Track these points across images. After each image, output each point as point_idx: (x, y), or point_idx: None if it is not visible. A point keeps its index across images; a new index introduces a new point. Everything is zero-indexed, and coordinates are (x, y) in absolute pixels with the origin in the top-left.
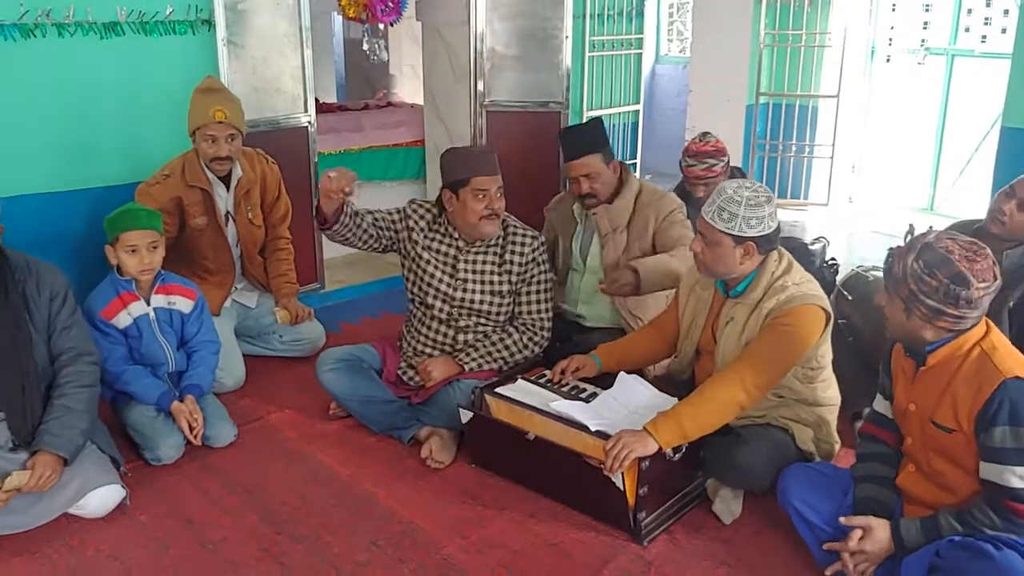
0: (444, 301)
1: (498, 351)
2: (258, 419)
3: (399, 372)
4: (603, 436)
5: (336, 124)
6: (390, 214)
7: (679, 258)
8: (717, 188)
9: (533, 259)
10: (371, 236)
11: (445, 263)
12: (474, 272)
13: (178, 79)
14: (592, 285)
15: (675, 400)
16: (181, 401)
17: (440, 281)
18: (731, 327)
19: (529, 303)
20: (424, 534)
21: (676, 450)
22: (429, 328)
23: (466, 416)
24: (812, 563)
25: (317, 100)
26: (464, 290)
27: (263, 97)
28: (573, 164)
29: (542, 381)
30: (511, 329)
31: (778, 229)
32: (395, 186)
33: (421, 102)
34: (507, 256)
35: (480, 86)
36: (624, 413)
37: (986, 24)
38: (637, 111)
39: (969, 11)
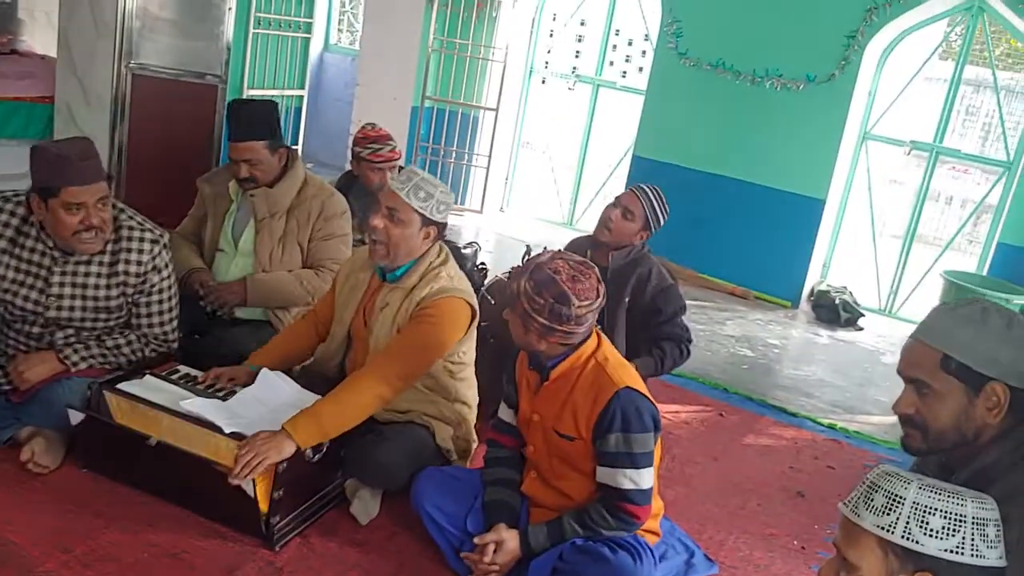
0: (32, 321)
1: (113, 355)
2: None
3: None
4: (238, 437)
5: None
6: None
7: (308, 281)
8: (406, 171)
9: (153, 267)
10: None
11: (37, 275)
12: (74, 286)
13: None
14: (243, 270)
15: (318, 398)
16: None
17: (26, 299)
18: (386, 312)
19: (150, 315)
20: (17, 549)
21: (316, 451)
22: (19, 332)
23: (76, 418)
24: (444, 564)
25: None
26: (59, 308)
27: None
28: (237, 146)
29: (174, 377)
30: (130, 334)
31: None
32: (14, 145)
33: (55, 54)
34: (120, 267)
35: (126, 46)
36: (263, 412)
37: (627, 61)
38: (301, 97)
39: (614, 47)
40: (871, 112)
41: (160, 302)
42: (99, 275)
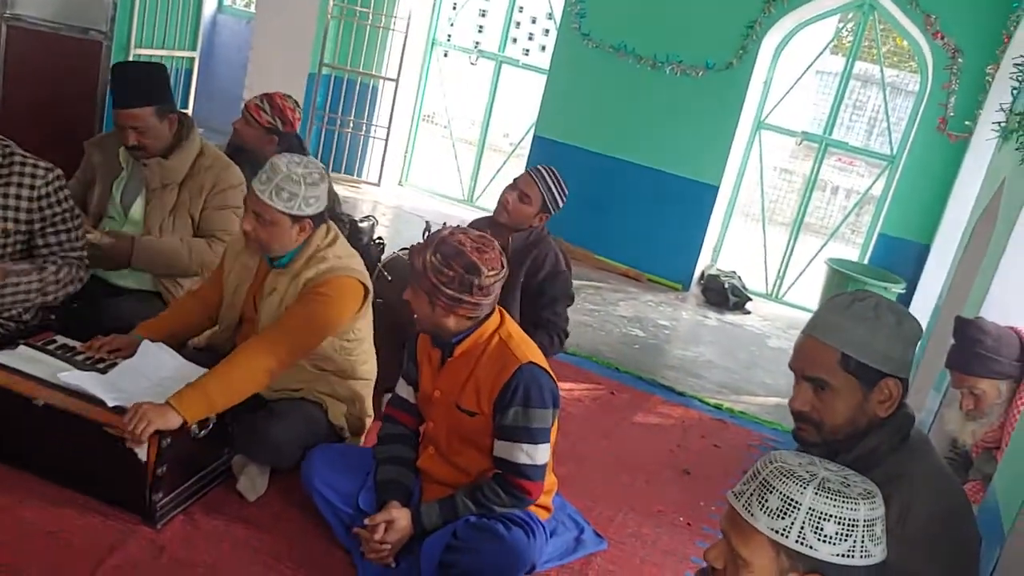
0: None
1: (37, 286)
2: None
3: None
4: (121, 412)
5: None
6: None
7: (197, 252)
8: (269, 164)
9: (47, 193)
10: None
11: None
12: None
13: None
14: None
15: (204, 370)
16: None
17: None
18: (272, 297)
19: (58, 236)
20: None
21: (202, 426)
22: None
23: None
24: (335, 542)
25: None
26: None
27: None
28: (121, 112)
29: (51, 348)
30: (59, 261)
31: (330, 204)
32: None
33: None
34: (10, 190)
35: None
36: (147, 385)
37: (530, 39)
38: (193, 59)
39: (518, 24)
40: (766, 102)
41: (66, 222)
42: None
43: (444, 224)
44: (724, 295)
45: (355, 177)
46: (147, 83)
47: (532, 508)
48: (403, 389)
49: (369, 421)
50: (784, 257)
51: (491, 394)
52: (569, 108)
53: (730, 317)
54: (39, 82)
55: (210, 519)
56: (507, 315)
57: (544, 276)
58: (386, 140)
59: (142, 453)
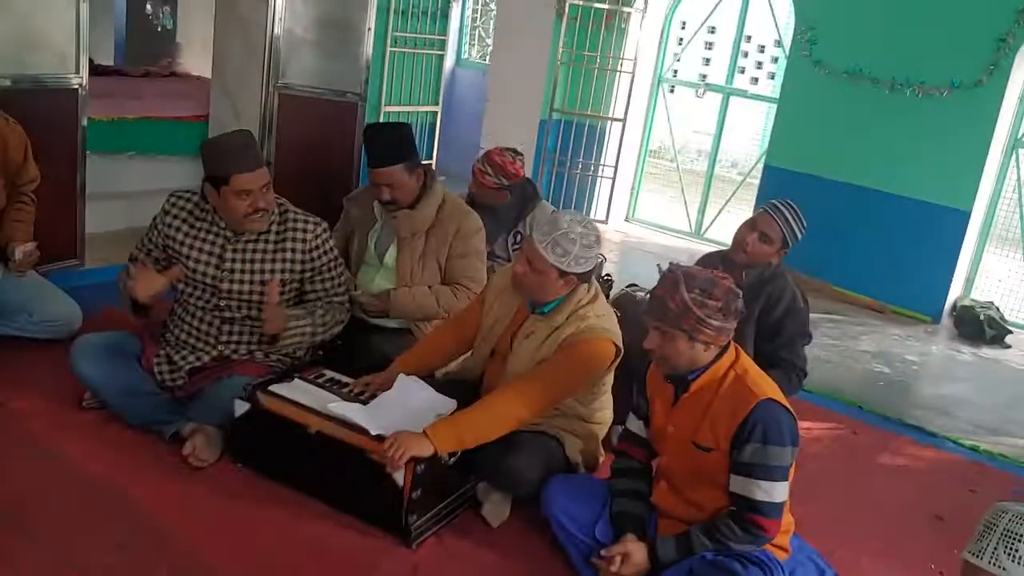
0: (211, 293)
1: (322, 325)
2: None
3: (155, 365)
4: (382, 439)
5: (111, 88)
6: (150, 234)
7: (445, 300)
8: (551, 218)
9: (316, 246)
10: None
11: (211, 253)
12: (243, 262)
13: None
14: (387, 281)
15: (454, 402)
16: None
17: (204, 275)
18: (529, 341)
19: (324, 284)
20: (180, 536)
21: (452, 454)
22: (194, 317)
23: (242, 408)
24: (574, 569)
25: (91, 61)
26: (232, 280)
27: (26, 53)
28: (377, 172)
29: (320, 380)
30: (326, 305)
31: (599, 265)
32: (174, 162)
33: (209, 76)
34: (286, 244)
35: (274, 66)
36: (402, 414)
37: (758, 68)
38: (436, 112)
39: (745, 54)
40: (1023, 119)
41: (331, 272)
42: (265, 252)
43: (670, 263)
44: (980, 328)
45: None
46: (397, 143)
47: (769, 548)
48: (634, 424)
49: (602, 459)
50: None
51: (728, 430)
52: (801, 136)
53: (987, 352)
54: (305, 142)
55: (459, 542)
56: (741, 351)
57: (780, 314)
58: (613, 178)
59: (399, 478)
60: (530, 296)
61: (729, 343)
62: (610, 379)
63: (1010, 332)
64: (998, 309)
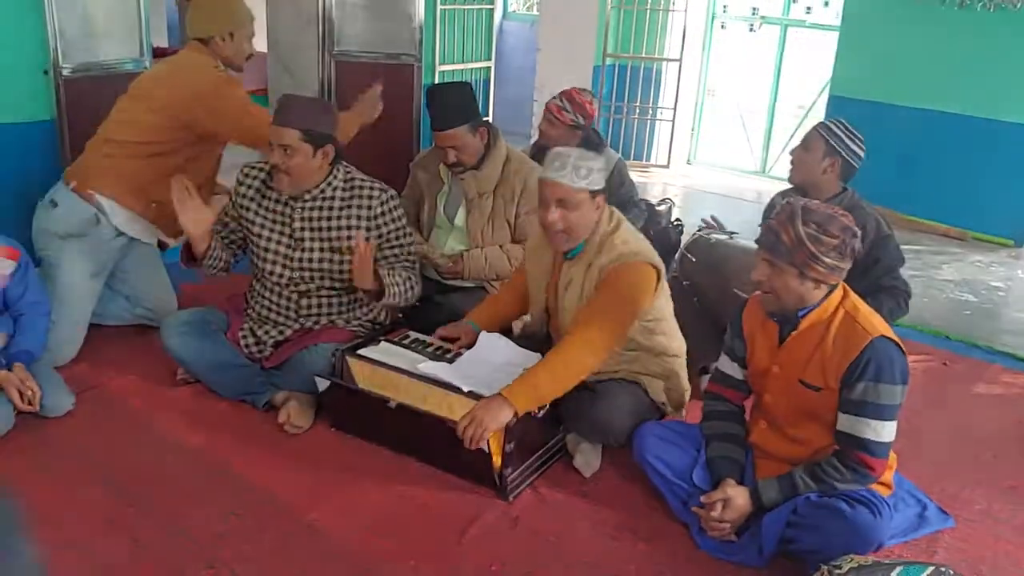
0: (284, 266)
1: (406, 285)
2: (95, 387)
3: (241, 339)
4: (475, 397)
5: None
6: (227, 208)
7: (516, 258)
8: (553, 154)
9: (382, 212)
10: (233, 243)
11: (282, 223)
12: (311, 229)
13: None
14: (459, 242)
15: (537, 355)
16: (9, 370)
17: (278, 243)
18: (571, 290)
19: (394, 250)
20: (285, 501)
21: (540, 407)
22: (272, 292)
23: (323, 385)
24: (672, 515)
25: None
26: (302, 249)
27: (92, 40)
28: (440, 134)
29: (406, 341)
30: (401, 270)
31: (629, 191)
32: None
33: (265, 49)
34: (351, 212)
35: (329, 35)
36: (488, 370)
37: None
38: (489, 68)
39: None
40: None
41: (401, 245)
42: (331, 219)
43: (711, 215)
44: None
45: (644, 161)
46: (459, 103)
47: (874, 486)
48: (727, 366)
49: (687, 395)
50: None
51: (839, 369)
52: (867, 62)
53: None
54: None
55: (554, 493)
56: (849, 288)
57: (871, 244)
58: (672, 121)
59: (485, 446)
60: (571, 240)
61: (839, 282)
62: (666, 305)
63: None
64: None
